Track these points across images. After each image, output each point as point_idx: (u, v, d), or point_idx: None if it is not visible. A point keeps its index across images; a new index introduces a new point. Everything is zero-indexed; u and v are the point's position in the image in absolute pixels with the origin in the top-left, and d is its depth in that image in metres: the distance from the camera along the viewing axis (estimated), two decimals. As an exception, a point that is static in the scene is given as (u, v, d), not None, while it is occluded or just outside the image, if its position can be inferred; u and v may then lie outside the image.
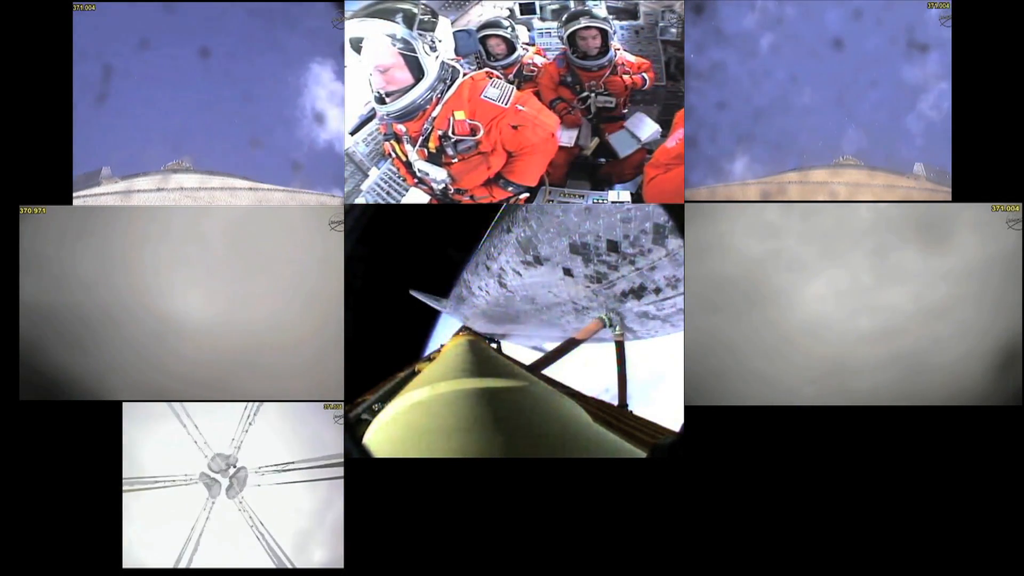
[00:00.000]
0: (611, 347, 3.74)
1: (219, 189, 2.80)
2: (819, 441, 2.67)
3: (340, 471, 2.69)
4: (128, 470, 2.65)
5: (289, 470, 2.69)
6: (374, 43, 2.90)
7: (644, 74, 3.73)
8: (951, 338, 2.60)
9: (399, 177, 3.42)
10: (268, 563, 2.65)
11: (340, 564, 2.66)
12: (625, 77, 3.68)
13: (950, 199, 2.71)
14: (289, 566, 2.65)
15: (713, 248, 2.65)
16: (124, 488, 2.64)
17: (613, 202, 3.08)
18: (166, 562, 2.63)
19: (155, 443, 2.67)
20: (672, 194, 2.77)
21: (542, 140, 3.05)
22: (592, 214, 3.17)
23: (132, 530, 2.64)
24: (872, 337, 2.62)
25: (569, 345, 3.79)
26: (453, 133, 3.00)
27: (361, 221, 2.89)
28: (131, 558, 2.63)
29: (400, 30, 2.87)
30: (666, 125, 3.61)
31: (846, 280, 2.63)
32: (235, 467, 2.70)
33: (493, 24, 3.72)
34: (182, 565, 2.63)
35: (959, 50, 2.73)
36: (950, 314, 2.60)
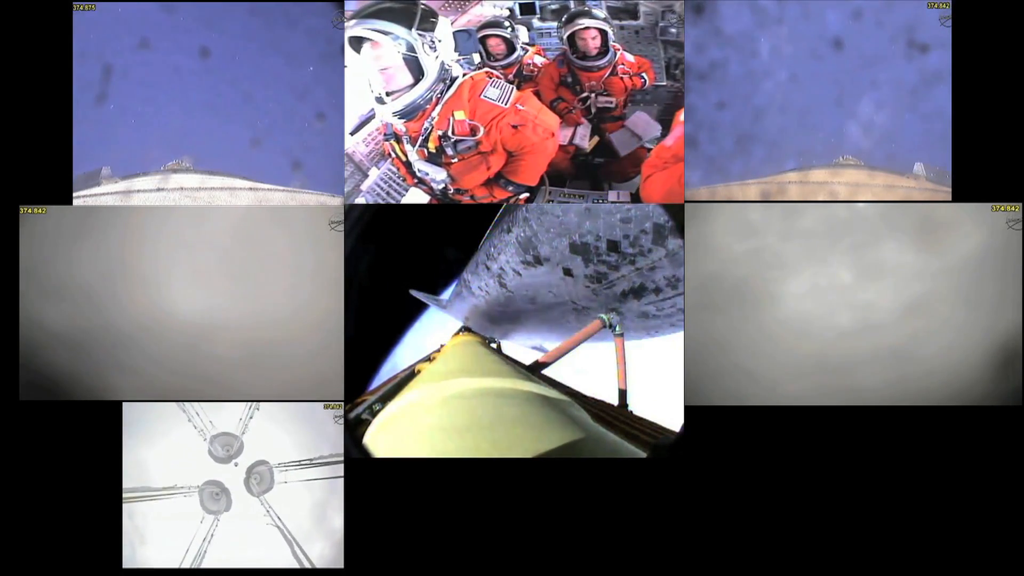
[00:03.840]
0: (611, 347, 3.73)
1: (219, 189, 2.80)
2: (819, 441, 2.67)
3: (340, 471, 2.69)
4: (132, 479, 2.66)
5: (305, 467, 2.69)
6: (374, 43, 2.90)
7: (644, 74, 3.73)
8: (951, 338, 2.60)
9: (399, 177, 3.42)
10: (286, 558, 2.65)
11: (340, 564, 2.66)
12: (625, 78, 3.68)
13: (950, 199, 2.71)
14: (308, 565, 2.65)
15: (714, 248, 2.65)
16: (126, 498, 2.64)
17: (613, 202, 3.08)
18: (174, 559, 2.64)
19: (160, 448, 2.67)
20: (669, 191, 2.76)
21: (542, 140, 3.04)
22: (592, 214, 3.16)
23: (137, 529, 2.64)
24: (871, 336, 2.62)
25: (569, 345, 3.78)
26: (453, 133, 3.00)
27: (361, 221, 2.89)
28: (135, 554, 2.63)
29: (400, 30, 2.87)
30: (666, 125, 3.62)
31: (841, 279, 2.63)
32: (239, 456, 2.69)
33: (493, 24, 3.72)
34: (189, 562, 2.64)
35: (959, 50, 2.73)
36: (950, 314, 2.60)
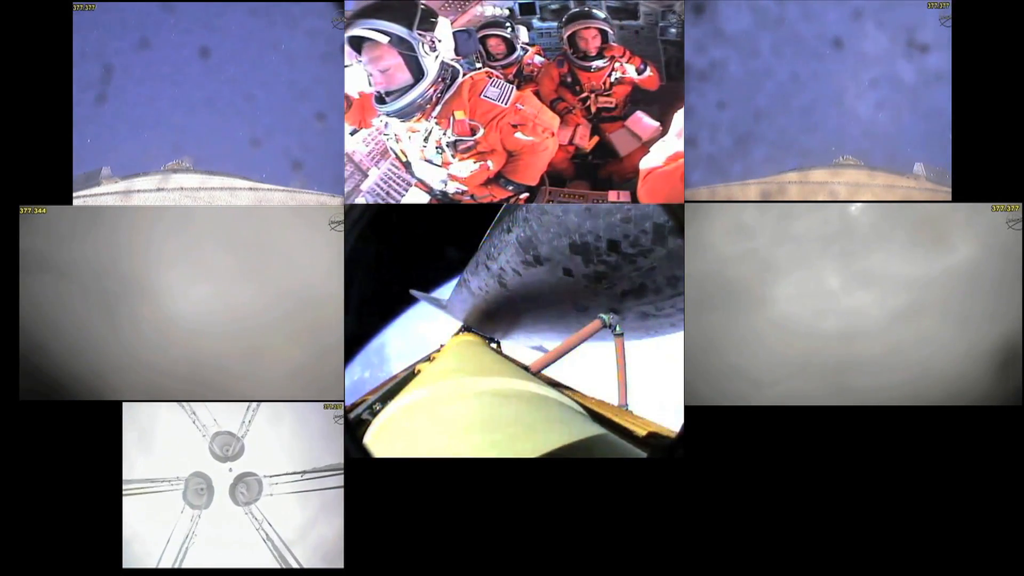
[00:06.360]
0: (611, 347, 3.73)
1: (219, 189, 2.80)
2: (820, 441, 2.67)
3: (339, 472, 2.69)
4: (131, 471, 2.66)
5: (299, 480, 2.68)
6: (374, 43, 2.90)
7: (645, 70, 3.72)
8: (951, 338, 2.60)
9: (399, 177, 3.42)
10: (271, 563, 2.65)
11: (340, 564, 2.66)
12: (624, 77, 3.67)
13: (950, 199, 2.71)
14: (296, 566, 2.65)
15: (714, 248, 2.65)
16: (125, 491, 2.64)
17: (613, 202, 3.08)
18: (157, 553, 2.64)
19: (158, 443, 2.68)
20: (667, 192, 2.76)
21: (543, 139, 3.05)
22: (592, 214, 3.17)
23: (130, 527, 2.64)
24: (871, 337, 2.62)
25: (569, 345, 3.79)
26: (453, 133, 3.00)
27: (361, 221, 2.89)
28: (130, 554, 2.64)
29: (400, 30, 2.87)
30: (665, 125, 3.61)
31: (838, 279, 2.63)
32: (235, 459, 2.69)
33: (493, 24, 3.72)
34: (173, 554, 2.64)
35: (959, 50, 2.73)
36: (949, 314, 2.60)
